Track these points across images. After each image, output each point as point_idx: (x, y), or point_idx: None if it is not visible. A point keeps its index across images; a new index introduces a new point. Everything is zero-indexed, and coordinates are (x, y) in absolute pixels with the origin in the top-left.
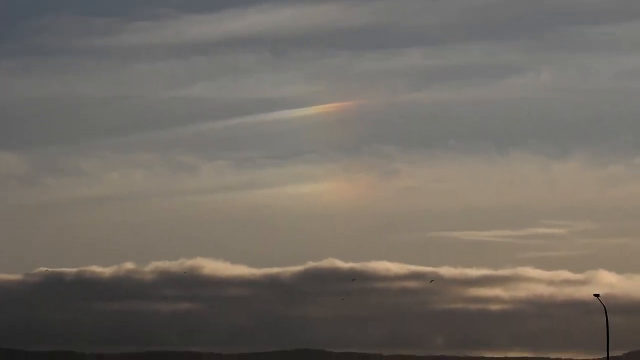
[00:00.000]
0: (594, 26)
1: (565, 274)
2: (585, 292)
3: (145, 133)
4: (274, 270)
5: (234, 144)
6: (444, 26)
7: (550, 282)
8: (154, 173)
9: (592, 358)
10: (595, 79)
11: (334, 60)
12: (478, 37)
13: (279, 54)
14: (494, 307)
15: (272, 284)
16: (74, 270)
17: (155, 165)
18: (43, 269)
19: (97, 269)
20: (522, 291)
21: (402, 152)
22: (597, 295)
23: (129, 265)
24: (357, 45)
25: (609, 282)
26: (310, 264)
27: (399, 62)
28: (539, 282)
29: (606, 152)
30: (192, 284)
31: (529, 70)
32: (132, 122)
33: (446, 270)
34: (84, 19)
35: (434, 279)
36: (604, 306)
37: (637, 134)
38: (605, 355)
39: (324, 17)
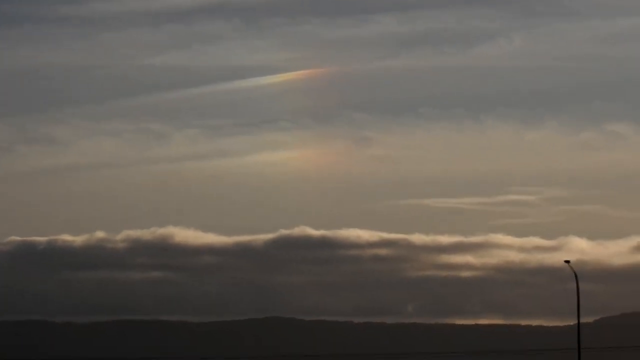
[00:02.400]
0: None
1: (536, 241)
2: (557, 259)
3: (116, 101)
4: (246, 238)
5: (205, 111)
6: None
7: (522, 249)
8: (125, 141)
9: (562, 324)
10: (568, 45)
11: (305, 27)
12: (451, 3)
13: (250, 21)
14: (465, 274)
15: (243, 252)
16: (45, 239)
17: (126, 133)
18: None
19: (68, 237)
20: (494, 258)
21: (374, 119)
22: (567, 262)
23: (101, 234)
24: (330, 12)
25: (580, 249)
26: (282, 232)
27: (371, 29)
28: (510, 248)
29: (579, 119)
30: (163, 253)
31: (501, 37)
32: (103, 91)
33: (417, 238)
34: None
35: (406, 247)
36: (575, 273)
37: (610, 101)
38: (576, 322)
39: None
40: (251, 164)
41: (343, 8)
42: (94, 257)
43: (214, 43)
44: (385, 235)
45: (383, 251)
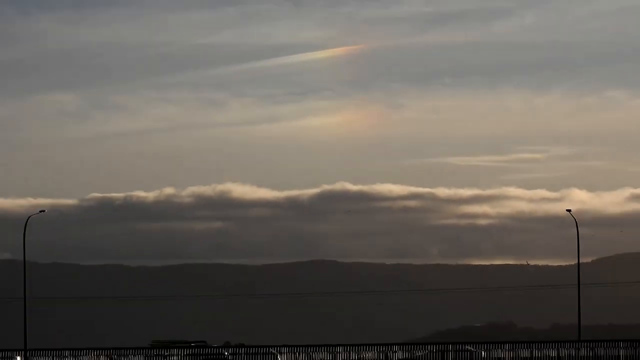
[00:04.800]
0: None
1: (543, 193)
2: (560, 208)
3: (181, 74)
4: (293, 192)
5: (258, 83)
6: None
7: (530, 200)
8: (189, 108)
9: (565, 264)
10: (572, 21)
11: (344, 8)
12: None
13: (296, 3)
14: (482, 221)
15: (291, 204)
16: (122, 195)
17: (190, 101)
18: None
19: (141, 193)
20: (506, 208)
21: (405, 88)
22: (569, 211)
23: (169, 190)
24: None
25: (580, 199)
26: (325, 187)
27: (401, 9)
28: (520, 199)
29: (581, 86)
30: (222, 206)
31: (514, 15)
32: (169, 65)
33: (441, 191)
34: None
35: (431, 199)
36: (576, 220)
37: (608, 70)
38: (576, 262)
39: None
40: (298, 128)
41: None
42: (164, 210)
43: (265, 23)
44: (413, 189)
45: (411, 203)
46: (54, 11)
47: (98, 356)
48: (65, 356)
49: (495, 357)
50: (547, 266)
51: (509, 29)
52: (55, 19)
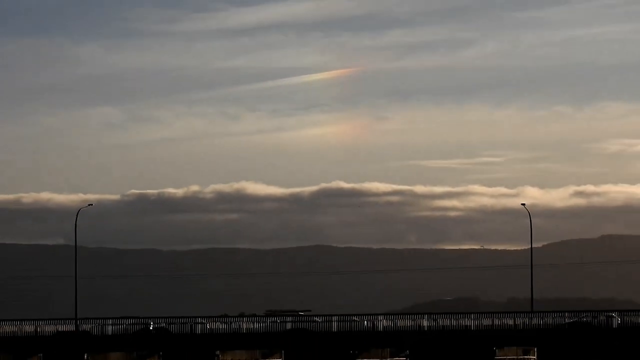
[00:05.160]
0: (524, 11)
1: (502, 190)
2: (516, 203)
3: (204, 92)
4: (297, 189)
5: (268, 99)
6: (416, 13)
7: (492, 196)
8: (211, 120)
9: (520, 248)
10: (525, 49)
11: (338, 39)
12: (441, 20)
13: (300, 34)
14: (452, 213)
15: (295, 199)
16: (156, 191)
17: (212, 114)
18: (134, 191)
19: (172, 190)
20: (472, 202)
21: (388, 104)
22: (524, 205)
23: (195, 188)
24: (355, 28)
25: (533, 195)
26: (322, 185)
27: (385, 39)
28: (483, 195)
29: (533, 102)
30: (239, 200)
31: (477, 44)
32: (194, 84)
33: (418, 188)
34: (157, 10)
35: (410, 195)
36: (529, 212)
37: (556, 89)
38: (529, 247)
39: (332, 8)
40: (301, 136)
41: (365, 25)
42: (190, 204)
43: (273, 50)
44: (396, 186)
45: (394, 198)
46: (100, 39)
47: (134, 325)
48: (109, 324)
49: (462, 325)
50: (505, 250)
51: (473, 55)
52: (100, 46)
